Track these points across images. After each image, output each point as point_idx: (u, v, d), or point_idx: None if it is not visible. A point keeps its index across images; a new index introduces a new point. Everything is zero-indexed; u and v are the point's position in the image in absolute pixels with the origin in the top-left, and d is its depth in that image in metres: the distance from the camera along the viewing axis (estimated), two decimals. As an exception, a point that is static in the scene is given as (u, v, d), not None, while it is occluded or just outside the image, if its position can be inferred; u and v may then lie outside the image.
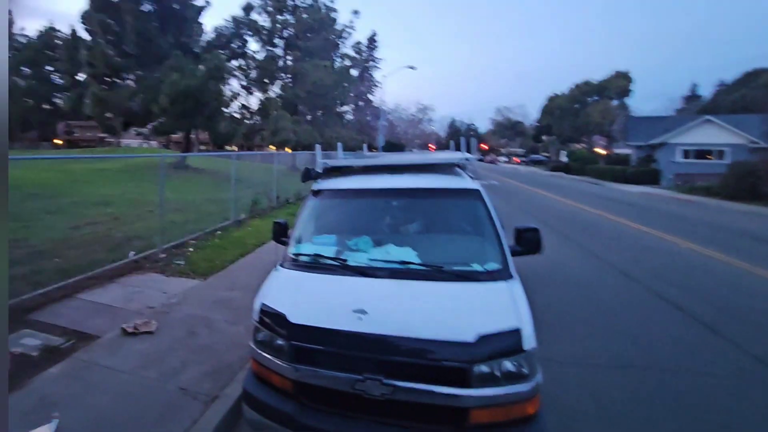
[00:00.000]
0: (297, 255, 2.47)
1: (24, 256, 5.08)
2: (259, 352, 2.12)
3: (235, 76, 24.29)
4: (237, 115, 24.49)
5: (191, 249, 6.18)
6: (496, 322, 1.84)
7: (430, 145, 56.42)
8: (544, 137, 54.33)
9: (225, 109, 20.19)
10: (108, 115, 18.11)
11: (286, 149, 22.56)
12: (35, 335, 3.50)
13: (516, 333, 1.81)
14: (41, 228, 6.66)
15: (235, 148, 30.24)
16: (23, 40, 45.68)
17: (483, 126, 76.31)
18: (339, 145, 3.91)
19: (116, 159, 18.31)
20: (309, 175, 3.12)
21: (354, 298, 2.00)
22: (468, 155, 3.09)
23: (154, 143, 38.73)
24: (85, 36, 19.03)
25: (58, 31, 39.17)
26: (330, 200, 2.84)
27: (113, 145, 40.93)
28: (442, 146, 52.58)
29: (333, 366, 1.87)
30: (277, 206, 10.46)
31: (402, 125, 60.31)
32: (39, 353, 3.22)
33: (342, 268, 2.26)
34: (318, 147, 3.48)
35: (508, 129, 72.04)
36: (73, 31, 22.25)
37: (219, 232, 7.27)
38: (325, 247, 2.44)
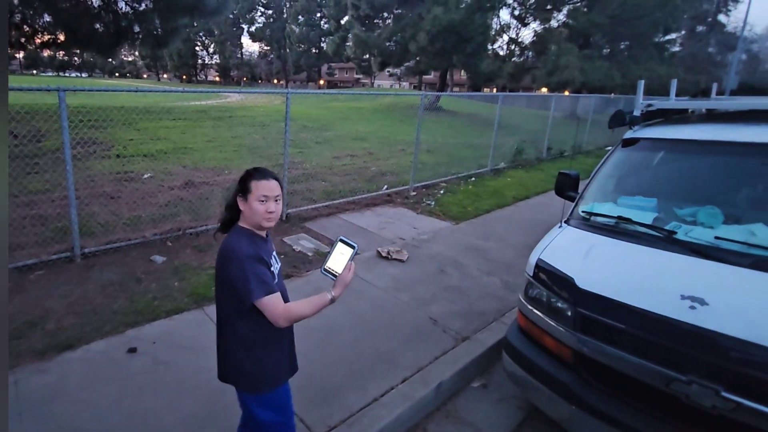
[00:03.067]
0: (590, 214, 2.48)
1: (300, 176, 7.29)
2: (530, 308, 2.30)
3: (507, 4, 24.30)
4: (502, 52, 24.75)
5: (442, 191, 7.24)
6: None
7: None
8: None
9: (490, 46, 20.86)
10: (366, 56, 22.35)
11: (565, 92, 21.14)
12: (309, 240, 5.02)
13: None
14: (312, 155, 9.37)
15: (494, 89, 31.15)
16: None
17: None
18: (673, 82, 3.22)
19: (370, 98, 22.75)
20: (621, 119, 2.87)
21: (683, 282, 1.91)
22: None
23: (405, 84, 46.00)
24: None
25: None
26: (651, 153, 2.68)
27: (367, 85, 51.88)
28: None
29: (637, 352, 1.86)
30: (547, 158, 10.68)
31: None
32: (312, 254, 4.62)
33: (665, 241, 2.14)
34: (640, 84, 2.97)
35: None
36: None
37: (473, 179, 8.13)
38: (637, 212, 2.34)
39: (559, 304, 2.12)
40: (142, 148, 8.83)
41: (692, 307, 1.78)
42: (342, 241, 1.57)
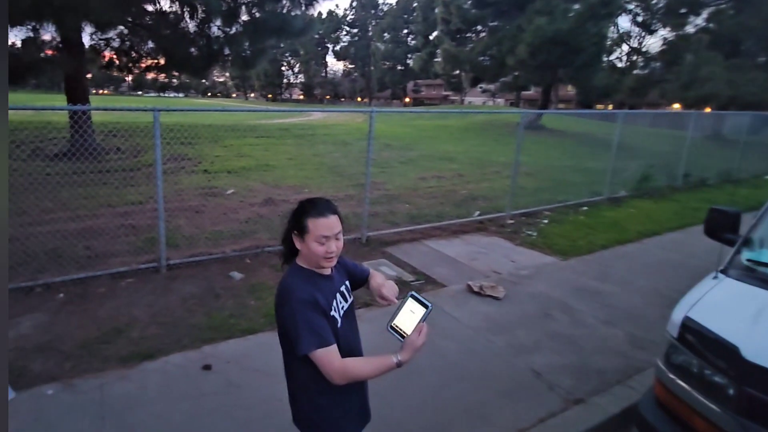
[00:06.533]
0: (758, 264, 2.31)
1: (381, 197, 7.43)
2: (673, 378, 2.11)
3: (627, 11, 23.36)
4: (620, 64, 23.75)
5: (545, 221, 6.95)
6: None
7: None
8: None
9: (604, 57, 20.41)
10: (456, 72, 22.91)
11: (706, 108, 19.69)
12: (391, 267, 5.03)
13: None
14: (395, 175, 9.57)
15: (609, 106, 29.73)
16: (386, 8, 66.87)
17: None
18: None
19: (459, 116, 23.05)
20: None
21: None
22: None
23: (500, 101, 45.98)
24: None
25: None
26: None
27: (456, 102, 52.90)
28: None
29: None
30: (683, 187, 9.96)
31: None
32: (395, 282, 4.49)
33: None
34: None
35: None
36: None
37: (584, 208, 7.77)
38: None
39: (717, 379, 1.92)
40: (226, 164, 9.89)
41: None
42: (414, 297, 1.48)
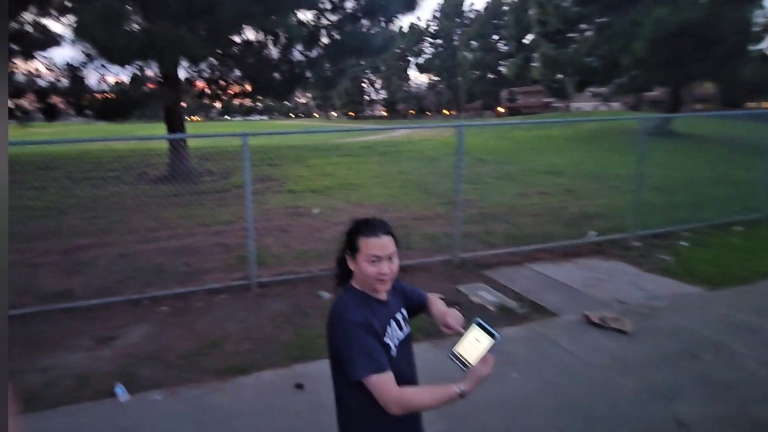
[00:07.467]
0: None
1: (475, 216, 7.33)
2: None
3: None
4: None
5: (684, 243, 6.44)
6: None
7: None
8: None
9: (752, 46, 18.54)
10: (557, 76, 22.19)
11: None
12: (490, 291, 4.94)
13: None
14: (489, 192, 9.41)
15: (765, 104, 26.77)
16: (472, 15, 66.64)
17: None
18: None
19: (564, 124, 22.14)
20: None
21: None
22: None
23: (615, 105, 43.08)
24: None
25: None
26: None
27: (561, 109, 50.91)
28: None
29: None
30: None
31: None
32: (495, 309, 4.49)
33: None
34: None
35: None
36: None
37: (738, 228, 7.14)
38: None
39: None
40: (310, 183, 10.56)
41: None
42: (479, 325, 1.46)
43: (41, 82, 10.69)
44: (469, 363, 1.42)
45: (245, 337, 3.86)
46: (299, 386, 3.16)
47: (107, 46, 8.39)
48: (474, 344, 1.44)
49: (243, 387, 3.19)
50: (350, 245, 1.52)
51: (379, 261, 1.47)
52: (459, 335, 1.51)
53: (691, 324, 4.08)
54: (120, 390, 3.07)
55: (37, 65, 10.87)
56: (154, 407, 2.96)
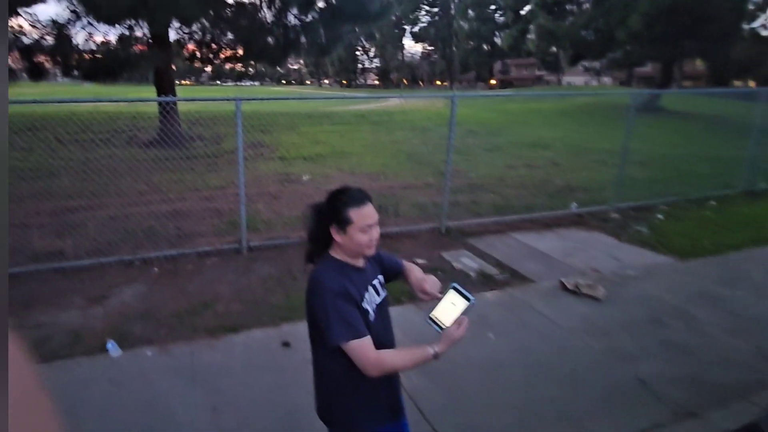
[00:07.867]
0: None
1: (464, 186, 7.40)
2: None
3: None
4: (765, 32, 21.31)
5: (660, 216, 6.59)
6: None
7: None
8: None
9: (745, 25, 18.59)
10: (552, 49, 21.98)
11: None
12: (472, 258, 5.04)
13: None
14: (478, 163, 9.45)
15: (753, 83, 26.83)
16: None
17: None
18: None
19: (556, 98, 21.95)
20: None
21: None
22: None
23: (606, 80, 42.66)
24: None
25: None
26: None
27: (552, 83, 50.36)
28: None
29: None
30: None
31: None
32: (475, 275, 4.64)
33: None
34: None
35: None
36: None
37: (712, 203, 7.34)
38: None
39: None
40: (302, 151, 10.49)
41: None
42: (456, 289, 1.53)
43: (26, 40, 10.25)
44: (444, 325, 1.50)
45: (236, 299, 3.96)
46: (286, 344, 3.29)
47: (95, 2, 8.12)
48: (450, 308, 1.52)
49: (233, 344, 3.31)
50: (337, 219, 1.51)
51: (370, 228, 1.52)
52: (436, 300, 1.58)
53: (659, 292, 4.25)
54: (112, 346, 3.17)
55: (20, 22, 10.48)
56: (145, 362, 3.07)
